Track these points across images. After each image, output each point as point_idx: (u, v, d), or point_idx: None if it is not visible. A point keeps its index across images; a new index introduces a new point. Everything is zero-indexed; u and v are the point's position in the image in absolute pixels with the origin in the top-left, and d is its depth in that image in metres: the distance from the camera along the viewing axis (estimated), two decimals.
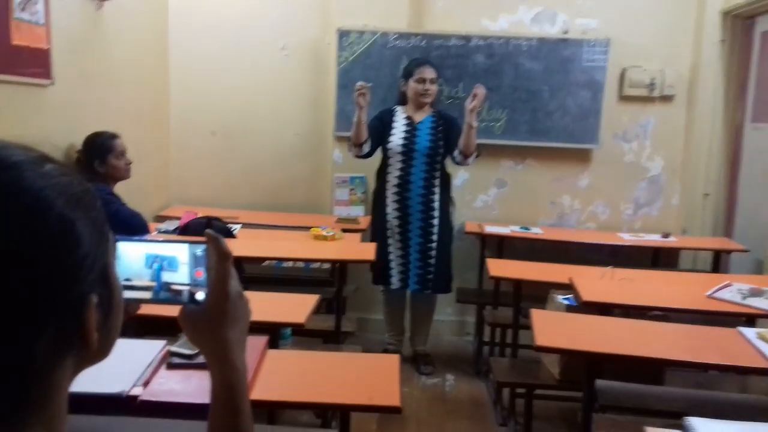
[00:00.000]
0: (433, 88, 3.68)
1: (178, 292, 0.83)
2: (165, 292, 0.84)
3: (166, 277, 0.83)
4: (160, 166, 4.31)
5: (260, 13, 4.32)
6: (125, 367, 1.61)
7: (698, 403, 2.12)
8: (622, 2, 4.23)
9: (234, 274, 0.83)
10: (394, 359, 1.82)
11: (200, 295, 0.83)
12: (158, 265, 0.83)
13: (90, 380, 1.64)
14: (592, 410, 2.05)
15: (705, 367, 2.04)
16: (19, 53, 2.71)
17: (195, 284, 0.83)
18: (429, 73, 3.66)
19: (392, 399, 1.63)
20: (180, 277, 0.83)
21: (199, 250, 0.83)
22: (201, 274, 0.83)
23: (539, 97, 4.24)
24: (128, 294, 0.81)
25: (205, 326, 0.81)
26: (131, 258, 0.83)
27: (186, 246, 0.84)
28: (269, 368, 1.75)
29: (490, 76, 4.23)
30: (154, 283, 0.83)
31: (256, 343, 1.82)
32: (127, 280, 0.82)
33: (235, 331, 0.83)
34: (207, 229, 0.84)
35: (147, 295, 0.83)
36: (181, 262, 0.83)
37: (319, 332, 3.16)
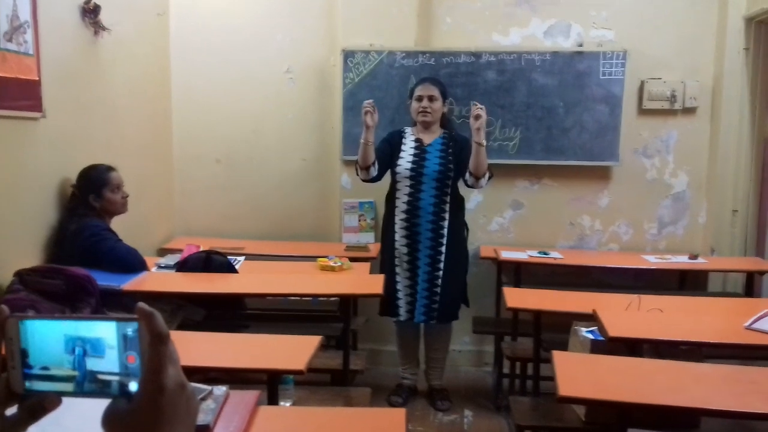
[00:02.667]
0: (434, 106, 3.50)
1: (107, 383, 0.66)
2: (90, 383, 0.66)
3: (92, 364, 0.65)
4: (164, 197, 4.18)
5: (264, 36, 4.19)
6: (93, 429, 1.42)
7: None
8: (639, 12, 4.04)
9: (174, 359, 0.65)
10: (399, 415, 1.64)
11: (134, 386, 0.65)
12: (80, 349, 0.66)
13: None
14: None
15: (749, 417, 1.83)
16: (6, 85, 2.59)
17: (127, 373, 0.65)
18: (428, 90, 3.49)
19: None
20: (108, 364, 0.65)
21: (131, 329, 0.65)
22: (134, 360, 0.65)
23: (554, 114, 4.06)
24: (46, 386, 0.65)
25: (134, 429, 0.64)
26: (48, 340, 0.65)
27: (113, 325, 0.65)
28: (259, 429, 1.57)
29: (502, 93, 4.06)
30: (76, 373, 0.66)
31: (245, 398, 1.65)
32: (44, 368, 0.65)
33: None
34: (139, 303, 0.66)
35: (69, 387, 0.66)
36: (108, 346, 0.65)
37: (326, 370, 2.98)
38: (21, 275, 2.48)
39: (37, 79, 2.79)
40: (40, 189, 2.82)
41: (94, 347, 0.65)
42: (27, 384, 0.65)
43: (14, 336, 0.64)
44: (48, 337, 0.65)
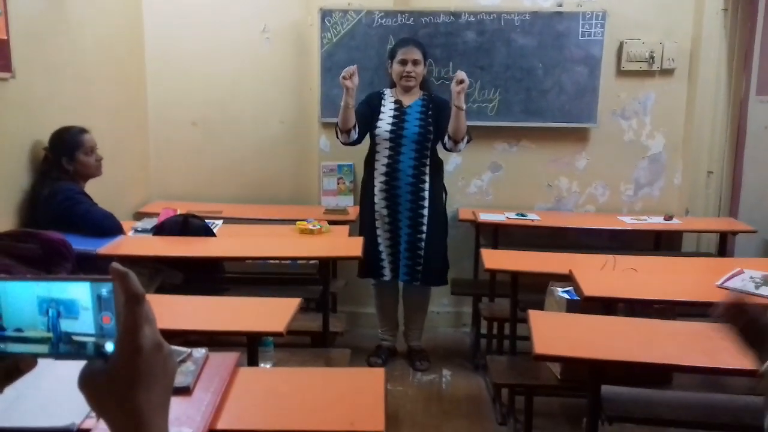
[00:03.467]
0: (418, 70, 3.47)
1: (82, 344, 0.65)
2: (65, 345, 0.65)
3: (66, 325, 0.65)
4: (139, 160, 4.12)
5: None
6: (77, 395, 1.42)
7: (712, 410, 1.97)
8: None
9: (150, 319, 0.65)
10: (379, 375, 1.66)
11: (110, 347, 0.64)
12: (54, 311, 0.65)
13: (36, 410, 1.47)
14: (598, 419, 1.90)
15: (719, 372, 1.88)
16: None
17: (102, 334, 0.65)
18: (412, 53, 3.46)
19: (376, 423, 1.47)
20: (83, 325, 0.65)
21: (105, 289, 0.64)
22: (109, 320, 0.65)
23: (533, 75, 4.04)
24: (20, 348, 0.64)
25: (110, 390, 0.63)
26: (21, 302, 0.65)
27: (87, 286, 0.64)
28: (240, 390, 1.58)
29: (481, 54, 4.03)
30: (50, 334, 0.65)
31: (224, 360, 1.66)
32: (18, 330, 0.65)
33: (151, 394, 0.64)
34: (113, 263, 0.65)
35: (43, 348, 0.65)
36: (83, 307, 0.65)
37: (306, 332, 2.99)
38: None
39: (6, 38, 2.70)
40: (11, 152, 2.76)
41: (68, 309, 0.64)
42: (1, 346, 0.65)
43: None
44: (20, 299, 0.64)
